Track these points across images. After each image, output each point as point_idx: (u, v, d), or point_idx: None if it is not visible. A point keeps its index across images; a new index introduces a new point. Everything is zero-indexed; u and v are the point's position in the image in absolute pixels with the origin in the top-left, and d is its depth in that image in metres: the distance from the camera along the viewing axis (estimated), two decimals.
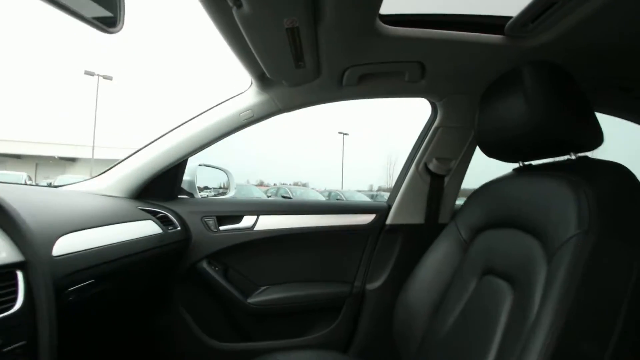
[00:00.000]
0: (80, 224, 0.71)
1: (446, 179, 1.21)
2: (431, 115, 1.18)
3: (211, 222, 1.18)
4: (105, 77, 17.49)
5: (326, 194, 13.08)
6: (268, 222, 1.21)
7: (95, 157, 16.33)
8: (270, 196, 10.27)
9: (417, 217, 1.24)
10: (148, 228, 0.95)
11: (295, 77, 0.97)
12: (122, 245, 0.79)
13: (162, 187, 1.16)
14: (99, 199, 0.99)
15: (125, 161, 1.11)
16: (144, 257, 0.87)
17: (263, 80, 1.01)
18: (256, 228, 1.20)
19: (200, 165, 1.45)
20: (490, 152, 0.87)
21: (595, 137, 0.71)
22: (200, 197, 1.35)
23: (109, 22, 0.51)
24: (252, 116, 1.07)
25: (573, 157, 0.72)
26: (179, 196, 1.24)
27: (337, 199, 11.50)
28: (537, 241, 0.66)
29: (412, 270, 0.99)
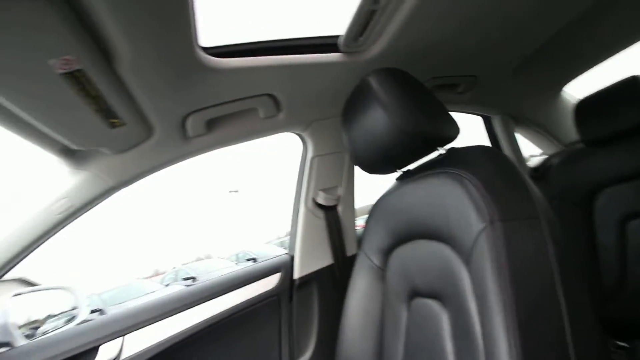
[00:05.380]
0: None
1: (339, 208, 1.13)
2: (303, 147, 1.10)
3: None
4: None
5: (234, 257, 12.05)
6: (142, 340, 0.87)
7: None
8: (168, 284, 8.74)
9: (324, 259, 1.10)
10: None
11: (119, 140, 0.74)
12: None
13: None
14: None
15: None
16: None
17: (72, 153, 0.74)
18: (124, 356, 0.84)
19: (15, 295, 0.99)
20: (369, 169, 0.83)
21: (453, 129, 0.72)
22: (25, 341, 0.90)
23: None
24: (71, 206, 0.77)
25: (442, 151, 0.72)
26: None
27: (248, 259, 10.70)
28: (447, 247, 0.62)
29: (339, 320, 0.85)
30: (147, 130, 0.75)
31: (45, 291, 1.08)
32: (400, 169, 0.84)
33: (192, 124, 0.80)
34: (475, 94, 1.28)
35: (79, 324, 1.06)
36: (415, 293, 0.71)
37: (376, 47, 0.81)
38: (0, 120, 0.57)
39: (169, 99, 0.70)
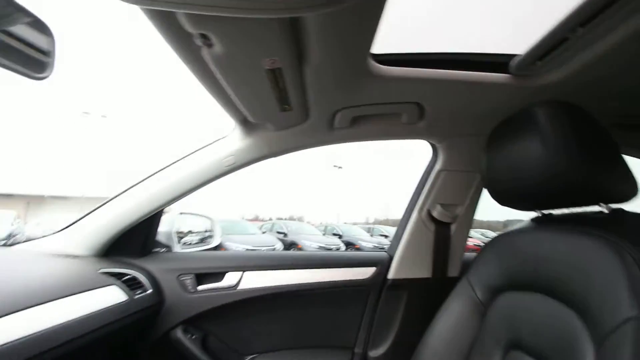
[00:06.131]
0: (14, 304, 0.58)
1: (452, 227, 1.09)
2: (432, 157, 1.09)
3: (189, 281, 1.03)
4: (102, 116, 17.74)
5: (322, 227, 12.78)
6: (254, 280, 1.06)
7: (87, 195, 16.02)
8: (265, 231, 9.96)
9: (422, 270, 1.10)
10: (110, 296, 0.80)
11: (281, 120, 0.88)
12: (69, 326, 0.65)
13: (134, 241, 1.02)
14: (52, 263, 0.85)
15: (93, 213, 0.98)
16: (102, 333, 0.72)
17: (246, 124, 0.92)
18: (240, 287, 1.05)
19: (181, 213, 1.32)
20: (503, 200, 0.78)
21: (628, 187, 0.61)
22: (179, 249, 1.21)
23: (39, 68, 0.44)
24: (235, 162, 0.96)
25: (605, 209, 0.62)
26: (154, 250, 1.10)
27: (334, 234, 11.21)
28: (577, 316, 0.55)
29: (420, 333, 0.86)
30: (304, 116, 0.87)
31: (197, 216, 1.40)
32: (540, 209, 0.76)
33: (340, 118, 0.89)
34: None
35: (209, 249, 1.34)
36: (516, 345, 0.66)
37: (552, 76, 0.73)
38: (211, 92, 0.75)
39: (330, 96, 0.79)
